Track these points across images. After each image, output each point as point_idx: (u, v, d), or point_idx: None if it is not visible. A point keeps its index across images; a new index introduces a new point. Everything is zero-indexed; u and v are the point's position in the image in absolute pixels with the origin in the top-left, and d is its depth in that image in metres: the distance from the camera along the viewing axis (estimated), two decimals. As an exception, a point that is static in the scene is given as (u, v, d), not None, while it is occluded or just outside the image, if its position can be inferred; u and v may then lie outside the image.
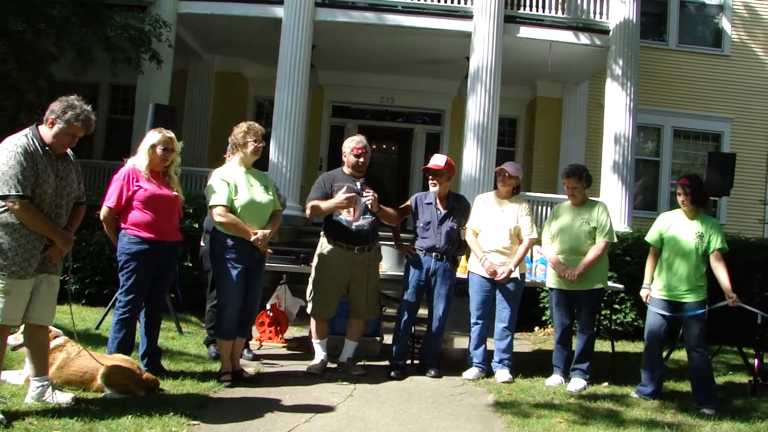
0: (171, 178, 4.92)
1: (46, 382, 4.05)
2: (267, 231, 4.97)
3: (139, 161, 4.79)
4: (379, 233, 5.79)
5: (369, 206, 5.45)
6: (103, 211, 4.75)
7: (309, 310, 5.70)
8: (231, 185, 4.89)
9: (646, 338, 5.50)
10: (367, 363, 5.86)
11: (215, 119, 13.56)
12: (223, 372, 5.01)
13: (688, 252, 5.24)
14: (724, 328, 6.79)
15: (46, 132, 3.92)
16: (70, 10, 8.64)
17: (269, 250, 5.12)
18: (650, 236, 5.55)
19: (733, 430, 4.56)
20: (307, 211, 5.63)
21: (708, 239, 5.22)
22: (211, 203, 4.91)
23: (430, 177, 5.83)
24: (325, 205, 5.47)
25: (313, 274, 5.69)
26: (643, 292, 5.53)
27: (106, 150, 13.53)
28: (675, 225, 5.38)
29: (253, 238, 4.87)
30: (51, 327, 4.25)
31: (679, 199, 5.37)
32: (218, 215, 4.85)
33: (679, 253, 5.27)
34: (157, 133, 4.86)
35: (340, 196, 5.38)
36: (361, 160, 5.58)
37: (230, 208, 4.86)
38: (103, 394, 4.29)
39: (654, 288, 5.42)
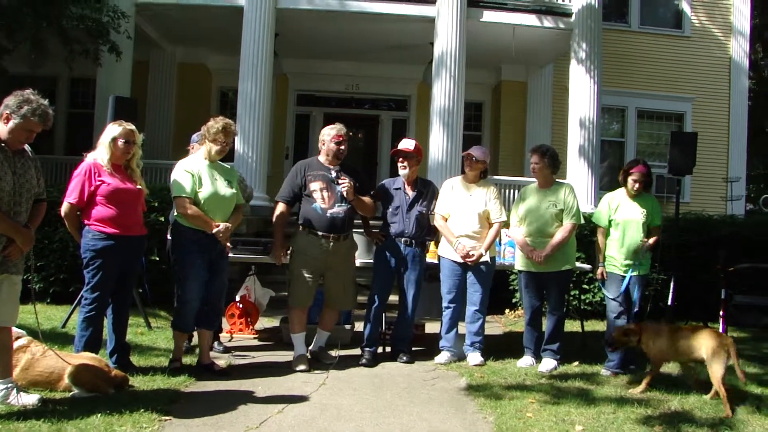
0: (133, 171, 4.82)
1: (10, 384, 3.95)
2: (228, 224, 4.95)
3: (100, 155, 4.67)
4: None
5: (345, 195, 5.42)
6: (65, 207, 4.63)
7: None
8: (195, 177, 4.86)
9: (608, 317, 5.72)
10: (339, 351, 5.84)
11: (178, 111, 13.40)
12: (173, 359, 5.08)
13: (636, 229, 5.56)
14: (690, 303, 6.93)
15: (1, 128, 3.81)
16: (21, 0, 8.40)
17: (229, 244, 5.06)
18: (599, 217, 5.79)
19: (699, 402, 4.65)
20: (275, 211, 5.61)
21: (652, 216, 5.60)
22: (174, 194, 4.87)
23: (400, 160, 5.83)
24: (276, 227, 5.60)
25: (289, 264, 5.64)
26: (599, 272, 5.74)
27: (67, 145, 13.26)
28: (622, 205, 5.67)
29: (215, 230, 4.84)
30: (13, 327, 4.15)
31: (635, 186, 5.59)
32: (182, 207, 4.82)
33: (629, 230, 5.57)
34: (117, 125, 4.74)
35: (277, 252, 5.55)
36: (342, 147, 5.54)
37: (194, 200, 4.82)
38: (71, 393, 4.21)
39: (608, 264, 5.66)
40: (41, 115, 3.86)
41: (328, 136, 5.58)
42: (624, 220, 5.59)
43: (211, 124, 4.99)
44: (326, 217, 5.44)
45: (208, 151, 4.99)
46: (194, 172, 4.88)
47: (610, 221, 5.67)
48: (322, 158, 5.62)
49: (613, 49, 13.44)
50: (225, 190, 4.99)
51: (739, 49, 14.52)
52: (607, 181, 13.12)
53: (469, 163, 5.85)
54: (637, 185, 5.58)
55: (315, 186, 5.47)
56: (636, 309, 5.55)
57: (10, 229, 3.82)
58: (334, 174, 5.50)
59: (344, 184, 5.40)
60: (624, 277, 5.55)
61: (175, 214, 4.95)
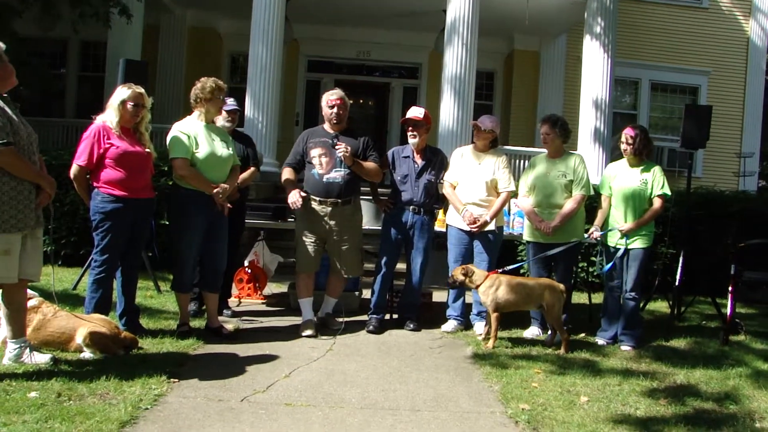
0: (142, 134, 4.81)
1: (23, 344, 4.01)
2: (227, 186, 4.96)
3: (109, 118, 4.66)
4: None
5: (342, 159, 5.41)
6: (74, 170, 4.64)
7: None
8: (191, 138, 4.86)
9: (605, 285, 5.75)
10: (346, 318, 5.88)
11: (189, 75, 13.30)
12: (180, 323, 5.12)
13: (634, 198, 5.45)
14: (698, 279, 6.90)
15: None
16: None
17: (228, 205, 5.05)
18: (600, 185, 5.76)
19: (705, 377, 4.67)
20: (282, 175, 5.66)
21: (652, 185, 5.44)
22: (172, 155, 4.88)
23: (409, 128, 5.80)
24: (285, 179, 5.58)
25: (296, 229, 5.67)
26: (592, 232, 5.63)
27: (77, 108, 13.27)
28: (621, 174, 5.58)
29: (214, 191, 4.85)
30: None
31: (622, 148, 5.54)
32: (180, 168, 4.83)
33: (626, 199, 5.48)
34: (126, 88, 4.72)
35: (291, 197, 5.42)
36: (335, 111, 5.50)
37: (191, 161, 4.84)
38: (81, 354, 4.27)
39: (609, 235, 5.58)
40: None
41: (324, 100, 5.61)
42: (619, 188, 5.52)
43: (203, 84, 4.98)
44: (322, 183, 5.46)
45: (205, 111, 5.00)
46: (190, 133, 4.87)
47: (610, 189, 5.62)
48: (326, 125, 5.62)
49: (628, 20, 13.25)
50: (222, 150, 4.99)
51: (758, 23, 14.28)
52: (618, 154, 13.03)
53: (477, 133, 5.80)
54: (623, 146, 5.51)
55: (315, 152, 5.49)
56: (632, 284, 5.43)
57: (37, 176, 3.88)
58: (333, 139, 5.49)
59: (340, 149, 5.38)
60: (616, 248, 5.51)
61: (175, 174, 4.95)
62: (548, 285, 5.34)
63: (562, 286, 5.36)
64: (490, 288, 5.25)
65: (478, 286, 5.32)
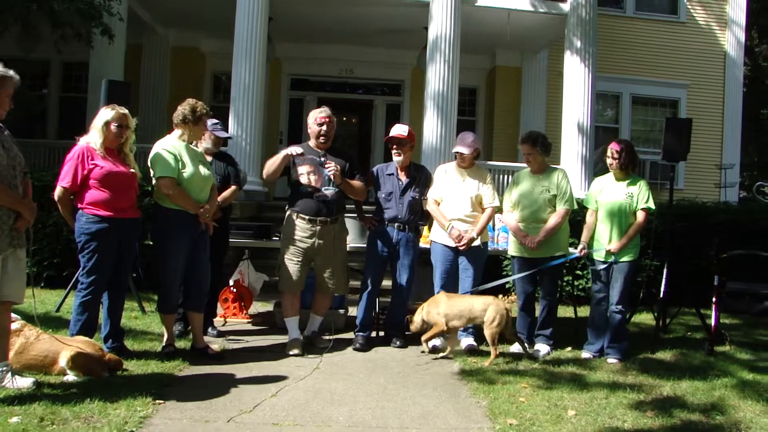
0: (126, 155, 4.80)
1: (5, 368, 3.96)
2: (210, 206, 4.98)
3: (93, 139, 4.65)
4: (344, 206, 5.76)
5: (332, 178, 5.41)
6: (58, 191, 4.60)
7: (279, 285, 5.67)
8: (177, 157, 4.84)
9: (591, 299, 5.75)
10: (332, 336, 5.86)
11: (172, 94, 13.28)
12: (166, 344, 5.08)
13: (620, 212, 5.51)
14: (683, 290, 6.94)
15: None
16: (9, -19, 8.30)
17: (213, 224, 5.05)
18: (586, 200, 5.81)
19: (692, 388, 4.69)
20: (263, 174, 5.63)
21: (637, 198, 5.48)
22: (159, 174, 4.82)
23: (394, 147, 5.81)
24: (271, 160, 5.49)
25: (279, 248, 5.65)
26: (582, 249, 5.66)
27: (60, 129, 13.19)
28: (607, 188, 5.64)
29: (201, 210, 4.85)
30: (6, 311, 4.14)
31: (608, 162, 5.60)
32: (167, 187, 4.79)
33: (612, 213, 5.52)
34: (110, 109, 4.72)
35: (288, 149, 5.40)
36: (324, 128, 5.51)
37: (177, 181, 4.82)
38: (65, 377, 4.22)
39: (594, 248, 5.63)
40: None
41: (312, 117, 5.61)
42: (605, 202, 5.56)
43: (194, 106, 4.97)
44: (313, 201, 5.44)
45: (190, 133, 4.99)
46: (175, 152, 4.85)
47: (596, 203, 5.66)
48: (311, 142, 5.62)
49: (608, 35, 13.41)
50: (204, 170, 4.99)
51: (734, 35, 14.50)
52: (600, 167, 13.11)
53: (460, 159, 5.80)
54: (609, 161, 5.58)
55: (303, 170, 5.47)
56: (618, 297, 5.46)
57: (16, 202, 3.85)
58: (321, 158, 5.49)
59: (331, 167, 5.38)
60: (604, 262, 5.55)
61: (160, 193, 4.89)
62: (492, 301, 5.37)
63: (506, 305, 5.42)
64: (430, 306, 5.41)
65: (430, 319, 5.42)
